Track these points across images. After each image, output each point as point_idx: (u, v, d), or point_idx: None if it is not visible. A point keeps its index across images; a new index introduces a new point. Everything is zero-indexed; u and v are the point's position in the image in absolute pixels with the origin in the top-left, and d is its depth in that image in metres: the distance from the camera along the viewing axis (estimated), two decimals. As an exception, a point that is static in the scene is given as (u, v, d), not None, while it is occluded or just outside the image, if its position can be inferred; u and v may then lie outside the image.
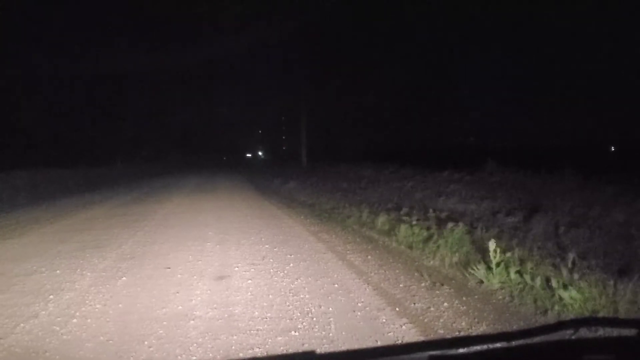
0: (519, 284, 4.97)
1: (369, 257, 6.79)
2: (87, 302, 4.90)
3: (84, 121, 35.96)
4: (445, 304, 4.76)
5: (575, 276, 4.80)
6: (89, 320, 4.36)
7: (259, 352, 3.65)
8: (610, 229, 6.99)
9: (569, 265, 5.16)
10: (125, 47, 43.82)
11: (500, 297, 4.90)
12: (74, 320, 4.36)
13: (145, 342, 3.84)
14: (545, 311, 4.38)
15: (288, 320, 4.31)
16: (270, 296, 5.01)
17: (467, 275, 5.53)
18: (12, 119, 27.94)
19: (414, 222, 8.00)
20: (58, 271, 6.14)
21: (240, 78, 55.34)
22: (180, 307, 4.69)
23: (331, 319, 4.32)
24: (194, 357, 3.59)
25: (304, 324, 4.22)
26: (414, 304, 4.77)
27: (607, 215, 7.67)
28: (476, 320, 4.31)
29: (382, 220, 8.74)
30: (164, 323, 4.26)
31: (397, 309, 4.61)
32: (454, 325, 4.21)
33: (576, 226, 7.21)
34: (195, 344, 3.80)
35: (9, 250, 7.47)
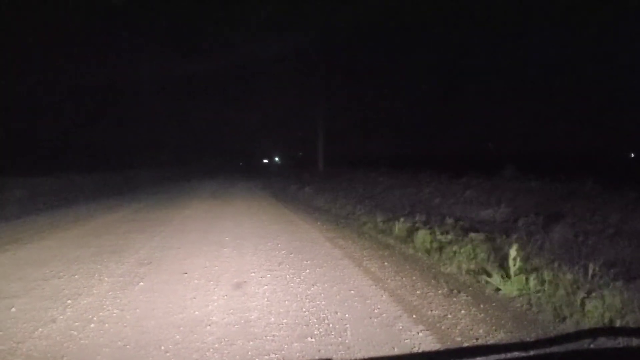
0: (537, 291, 4.91)
1: (386, 263, 6.76)
2: (104, 307, 4.92)
3: (103, 127, 36.34)
4: (463, 311, 4.72)
5: (596, 284, 4.74)
6: (106, 325, 4.39)
7: (275, 358, 3.65)
8: (630, 236, 6.89)
9: (589, 273, 5.09)
10: (145, 53, 44.29)
11: (518, 304, 4.85)
12: (92, 325, 4.39)
13: (162, 347, 3.85)
14: (564, 319, 4.32)
15: (304, 327, 4.30)
16: (286, 302, 5.01)
17: (485, 282, 5.48)
18: (33, 126, 28.33)
19: (431, 229, 7.95)
20: (76, 276, 6.18)
21: (258, 84, 55.54)
22: (197, 313, 4.70)
23: (347, 326, 4.30)
24: (210, 363, 3.59)
25: (320, 330, 4.21)
26: (431, 311, 4.74)
27: (627, 222, 7.56)
28: (494, 327, 4.27)
29: (399, 226, 8.70)
30: (181, 328, 4.28)
31: (414, 315, 4.58)
32: (471, 332, 4.17)
33: (595, 233, 7.12)
34: (211, 350, 3.80)
35: (28, 254, 7.54)
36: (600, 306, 4.29)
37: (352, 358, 3.62)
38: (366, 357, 3.63)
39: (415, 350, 3.78)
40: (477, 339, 4.02)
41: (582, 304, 4.41)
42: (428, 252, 7.10)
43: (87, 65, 36.00)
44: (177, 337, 4.08)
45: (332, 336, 4.07)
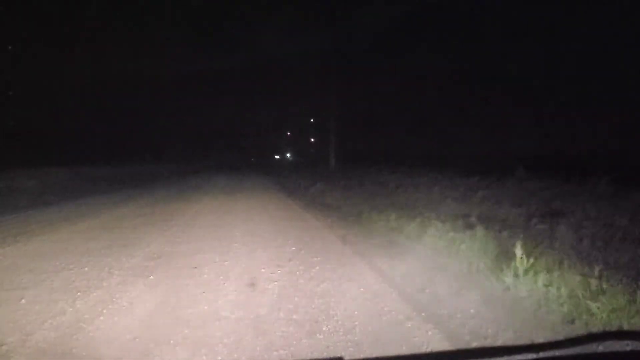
0: (546, 292, 4.86)
1: (396, 261, 6.73)
2: (114, 300, 4.94)
3: (116, 121, 36.56)
4: (472, 310, 4.67)
5: (604, 285, 4.68)
6: (115, 318, 4.40)
7: (283, 354, 3.63)
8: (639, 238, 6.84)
9: (597, 274, 5.03)
10: (164, 49, 44.56)
11: (528, 304, 4.79)
12: (101, 318, 4.40)
13: (171, 341, 3.85)
14: (573, 320, 4.27)
15: (313, 323, 4.28)
16: (295, 298, 4.99)
17: (494, 281, 5.44)
18: (45, 119, 28.54)
19: (441, 228, 7.91)
20: (86, 269, 6.21)
21: (273, 81, 55.64)
22: (206, 307, 4.70)
23: (356, 323, 4.27)
24: (219, 357, 3.58)
25: (329, 327, 4.19)
26: (440, 309, 4.70)
27: (637, 224, 7.50)
28: (502, 327, 4.22)
29: (411, 225, 8.65)
30: (190, 323, 4.28)
31: (423, 314, 4.54)
32: (480, 332, 4.13)
33: (605, 234, 7.06)
34: (220, 344, 3.79)
35: (38, 247, 7.59)
36: (608, 308, 4.23)
37: (361, 355, 3.59)
38: (375, 355, 3.61)
39: (424, 349, 3.75)
40: (485, 338, 3.98)
41: (590, 305, 4.36)
42: (438, 250, 7.06)
43: (105, 57, 36.25)
44: (186, 331, 4.08)
45: (341, 333, 4.04)
